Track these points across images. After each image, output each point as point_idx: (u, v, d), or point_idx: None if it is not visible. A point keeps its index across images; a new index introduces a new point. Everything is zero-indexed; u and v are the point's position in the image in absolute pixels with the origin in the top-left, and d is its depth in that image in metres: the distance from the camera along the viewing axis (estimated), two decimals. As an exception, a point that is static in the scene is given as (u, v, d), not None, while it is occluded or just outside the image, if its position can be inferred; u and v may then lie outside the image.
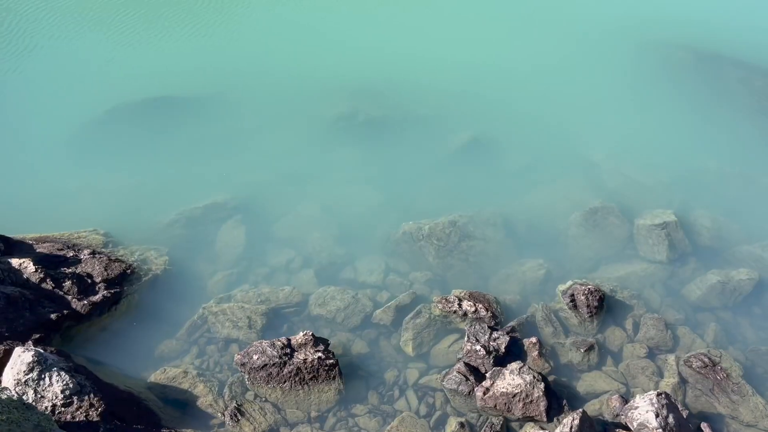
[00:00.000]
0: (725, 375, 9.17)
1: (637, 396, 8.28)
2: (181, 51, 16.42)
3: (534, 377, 8.44)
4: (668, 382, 9.14)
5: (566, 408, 8.50)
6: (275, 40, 17.19)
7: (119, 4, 18.17)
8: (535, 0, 20.27)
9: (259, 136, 13.88)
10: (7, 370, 7.18)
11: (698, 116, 15.14)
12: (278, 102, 14.91)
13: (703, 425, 8.48)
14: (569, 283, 10.68)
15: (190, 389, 8.58)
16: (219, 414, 8.30)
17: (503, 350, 9.13)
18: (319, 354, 8.70)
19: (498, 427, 8.25)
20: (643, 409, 7.92)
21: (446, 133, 14.33)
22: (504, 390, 8.35)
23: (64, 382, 7.19)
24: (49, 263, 9.44)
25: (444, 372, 9.11)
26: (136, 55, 16.11)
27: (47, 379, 7.16)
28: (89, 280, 9.42)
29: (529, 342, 9.47)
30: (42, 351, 7.41)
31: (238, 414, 8.22)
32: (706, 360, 9.31)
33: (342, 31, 17.74)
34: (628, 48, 17.40)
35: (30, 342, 8.05)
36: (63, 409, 7.09)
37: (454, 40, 17.78)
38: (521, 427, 8.40)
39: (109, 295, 9.35)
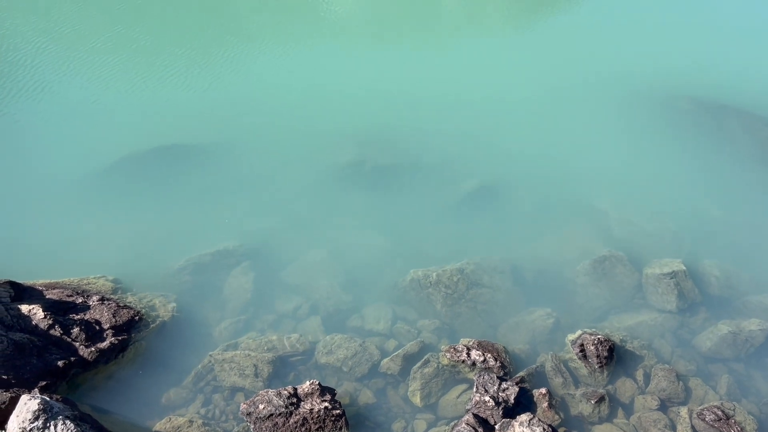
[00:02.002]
0: (739, 429, 8.98)
1: (650, 450, 8.12)
2: (190, 100, 16.77)
3: (544, 429, 8.30)
4: (681, 436, 8.98)
5: (577, 462, 8.33)
6: (283, 88, 17.53)
7: (131, 55, 18.66)
8: (542, 49, 20.69)
9: (269, 184, 14.04)
10: (13, 418, 7.13)
11: (704, 165, 15.25)
12: (287, 150, 15.11)
13: (719, 481, 8.29)
14: (578, 332, 10.59)
15: (195, 439, 8.48)
16: (224, 465, 8.18)
17: (512, 401, 9.01)
18: (326, 404, 8.61)
19: (508, 482, 8.08)
20: (657, 464, 7.76)
21: (453, 180, 14.45)
22: (514, 443, 8.20)
23: (69, 431, 7.13)
24: (58, 309, 9.48)
25: (452, 423, 8.97)
26: (146, 103, 16.44)
27: (52, 427, 7.10)
28: (97, 327, 9.43)
29: (539, 393, 9.35)
30: (48, 399, 7.37)
31: (243, 465, 8.09)
32: (720, 413, 9.15)
33: (349, 80, 18.11)
34: (632, 97, 17.66)
35: (36, 389, 8.02)
36: (67, 459, 7.01)
37: (461, 88, 18.10)
38: (532, 481, 8.22)
39: (116, 342, 9.34)
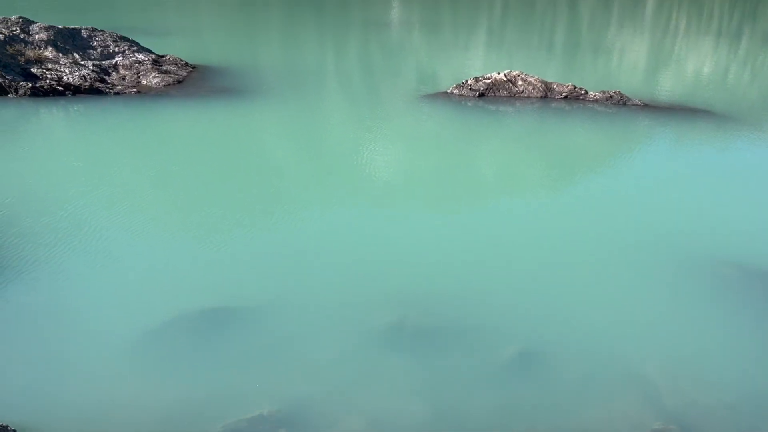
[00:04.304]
0: None
1: None
2: (223, 262, 17.22)
3: None
4: None
5: None
6: (321, 250, 17.98)
7: (169, 215, 19.80)
8: (581, 211, 21.18)
9: (307, 347, 14.05)
10: None
11: (754, 334, 14.73)
12: (326, 312, 15.23)
13: None
14: None
15: None
16: None
17: None
18: None
19: None
20: None
21: (495, 344, 14.24)
22: None
23: None
24: (91, 478, 9.35)
25: None
26: (177, 266, 16.99)
27: None
28: (127, 498, 9.20)
29: None
30: None
31: None
32: None
33: (389, 242, 18.63)
34: (673, 262, 17.63)
35: None
36: None
37: (501, 249, 18.41)
38: None
39: None
